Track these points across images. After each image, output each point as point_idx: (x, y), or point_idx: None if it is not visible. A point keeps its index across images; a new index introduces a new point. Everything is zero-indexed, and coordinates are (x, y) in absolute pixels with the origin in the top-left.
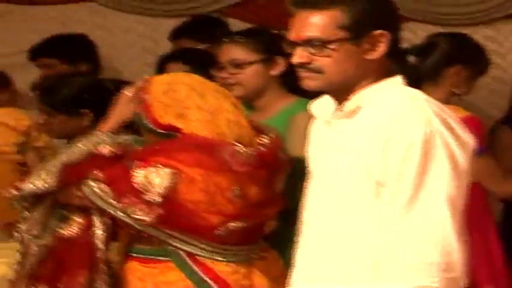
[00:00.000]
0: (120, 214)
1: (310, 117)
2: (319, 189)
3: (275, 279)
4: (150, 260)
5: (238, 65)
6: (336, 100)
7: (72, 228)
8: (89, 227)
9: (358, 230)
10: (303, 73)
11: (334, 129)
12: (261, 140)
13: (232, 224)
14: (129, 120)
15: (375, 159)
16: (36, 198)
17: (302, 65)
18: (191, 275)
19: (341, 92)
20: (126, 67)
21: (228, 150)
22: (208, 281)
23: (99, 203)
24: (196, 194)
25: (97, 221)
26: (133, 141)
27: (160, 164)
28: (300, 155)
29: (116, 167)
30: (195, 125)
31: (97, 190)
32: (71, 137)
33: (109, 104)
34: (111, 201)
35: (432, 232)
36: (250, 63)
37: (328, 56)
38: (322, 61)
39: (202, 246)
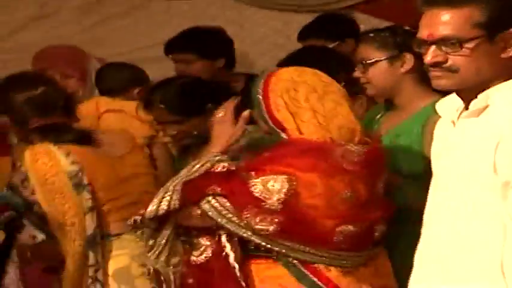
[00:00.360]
0: (241, 230)
1: None
2: (443, 190)
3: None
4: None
5: (366, 64)
6: (464, 99)
7: (205, 253)
8: (219, 248)
9: (483, 233)
10: (435, 72)
11: (460, 129)
12: (366, 139)
13: (345, 228)
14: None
15: (502, 158)
16: (159, 223)
17: (436, 64)
18: (303, 278)
19: (472, 92)
20: (257, 62)
21: (340, 151)
22: (321, 284)
23: (220, 219)
24: (315, 199)
25: (226, 241)
26: (250, 137)
27: (277, 171)
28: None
29: (233, 180)
30: (306, 126)
31: (217, 205)
32: (204, 137)
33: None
34: (231, 216)
35: None
36: (376, 61)
37: (464, 55)
38: (457, 60)
39: (321, 254)
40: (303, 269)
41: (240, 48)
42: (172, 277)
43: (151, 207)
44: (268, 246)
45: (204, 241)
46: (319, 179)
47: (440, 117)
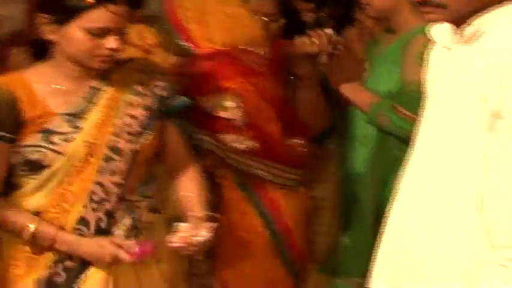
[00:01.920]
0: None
1: (427, 41)
2: (433, 117)
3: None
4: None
5: None
6: (458, 26)
7: None
8: None
9: (463, 163)
10: (425, 8)
11: (453, 55)
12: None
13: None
14: None
15: (493, 87)
16: None
17: (424, 2)
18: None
19: (465, 20)
20: None
21: (247, 55)
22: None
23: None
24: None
25: None
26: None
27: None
28: (410, 79)
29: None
30: (213, 34)
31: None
32: None
33: None
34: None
35: None
36: None
37: None
38: None
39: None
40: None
41: None
42: None
43: None
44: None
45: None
46: (251, 83)
47: (420, 40)
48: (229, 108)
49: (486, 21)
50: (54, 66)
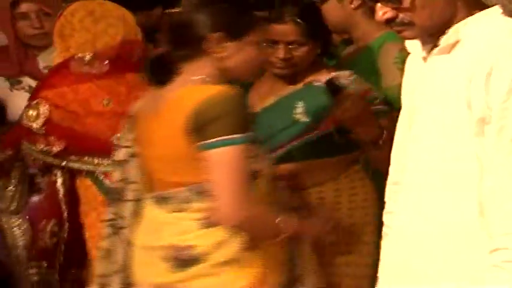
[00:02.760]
0: (45, 157)
1: (397, 47)
2: (417, 129)
3: None
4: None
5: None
6: (433, 37)
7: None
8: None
9: (459, 170)
10: (395, 27)
11: (431, 66)
12: None
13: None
14: None
15: (476, 94)
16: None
17: (390, 21)
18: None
19: (438, 33)
20: None
21: (78, 63)
22: None
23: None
24: (72, 106)
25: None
26: None
27: (33, 98)
28: (390, 84)
29: None
30: (74, 45)
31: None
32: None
33: None
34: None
35: None
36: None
37: (409, 7)
38: (406, 14)
39: (106, 163)
40: (103, 179)
41: None
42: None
43: None
44: (68, 164)
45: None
46: (69, 88)
47: (390, 48)
48: (30, 117)
49: (462, 30)
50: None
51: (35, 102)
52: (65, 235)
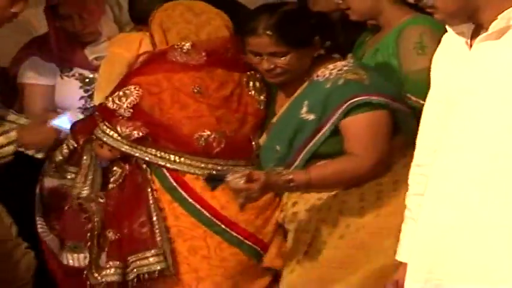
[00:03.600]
0: (121, 145)
1: (418, 31)
2: (463, 117)
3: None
4: None
5: None
6: (475, 22)
7: (119, 179)
8: (132, 172)
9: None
10: (428, 10)
11: (477, 53)
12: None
13: (207, 133)
14: None
15: None
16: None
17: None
18: (169, 188)
19: (472, 17)
20: None
21: (176, 52)
22: (186, 196)
23: (106, 139)
24: (163, 94)
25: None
26: None
27: (124, 84)
28: (411, 69)
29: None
30: (172, 36)
31: (104, 128)
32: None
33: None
34: (113, 133)
35: None
36: None
37: None
38: None
39: (182, 159)
40: (171, 179)
41: None
42: (94, 208)
43: (59, 157)
44: (140, 155)
45: (117, 168)
46: (164, 77)
47: (412, 30)
48: (120, 99)
49: (511, 17)
50: None
51: (125, 87)
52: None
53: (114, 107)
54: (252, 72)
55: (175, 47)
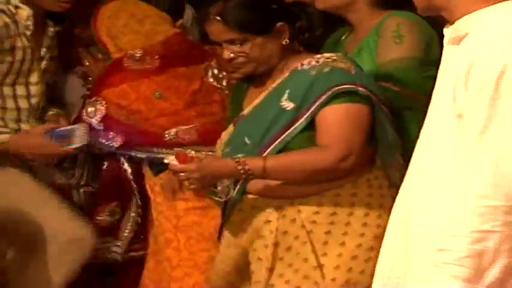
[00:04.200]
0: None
1: (396, 20)
2: (427, 122)
3: None
4: None
5: None
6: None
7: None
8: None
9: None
10: None
11: (444, 55)
12: None
13: (181, 128)
14: None
15: (459, 90)
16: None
17: None
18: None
19: (451, 15)
20: None
21: (130, 60)
22: None
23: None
24: (135, 105)
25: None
26: None
27: (92, 95)
28: (387, 58)
29: None
30: (126, 45)
31: None
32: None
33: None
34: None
35: (501, 173)
36: None
37: None
38: None
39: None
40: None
41: None
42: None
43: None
44: (131, 154)
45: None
46: (129, 87)
47: (390, 21)
48: (89, 113)
49: (469, 22)
50: None
51: (93, 99)
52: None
53: (89, 121)
54: (207, 62)
55: (128, 55)
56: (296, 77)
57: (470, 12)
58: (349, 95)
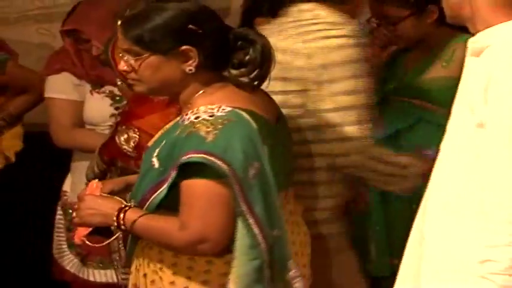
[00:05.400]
0: None
1: (453, 47)
2: (448, 138)
3: None
4: None
5: (393, 21)
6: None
7: None
8: None
9: (466, 178)
10: None
11: (466, 68)
12: None
13: None
14: None
15: (478, 102)
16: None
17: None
18: None
19: (471, 26)
20: None
21: None
22: None
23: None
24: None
25: None
26: None
27: (123, 124)
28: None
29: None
30: None
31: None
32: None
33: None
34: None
35: None
36: (405, 18)
37: None
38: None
39: None
40: None
41: None
42: None
43: (91, 175)
44: None
45: None
46: (158, 117)
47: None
48: (123, 141)
49: (491, 34)
50: None
51: (124, 127)
52: None
53: (123, 148)
54: None
55: None
56: (171, 131)
57: (492, 25)
58: (209, 168)
